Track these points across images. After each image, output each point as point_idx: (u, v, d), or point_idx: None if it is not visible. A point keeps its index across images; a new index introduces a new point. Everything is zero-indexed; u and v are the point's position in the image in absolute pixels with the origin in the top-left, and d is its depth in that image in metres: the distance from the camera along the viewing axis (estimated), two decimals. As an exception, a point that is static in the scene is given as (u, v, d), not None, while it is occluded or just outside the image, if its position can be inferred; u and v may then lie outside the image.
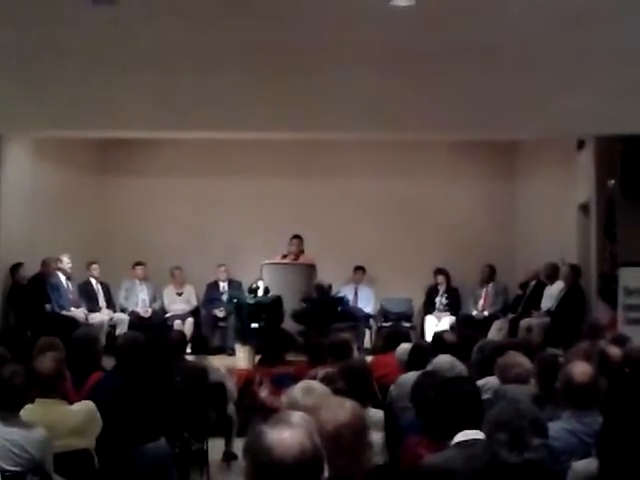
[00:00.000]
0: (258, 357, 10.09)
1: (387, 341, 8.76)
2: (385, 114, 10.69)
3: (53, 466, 4.90)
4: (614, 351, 6.15)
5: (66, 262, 12.44)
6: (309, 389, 4.22)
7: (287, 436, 2.61)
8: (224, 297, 13.17)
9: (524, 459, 2.74)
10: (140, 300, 13.46)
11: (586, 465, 3.93)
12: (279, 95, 10.71)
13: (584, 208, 12.15)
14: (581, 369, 4.83)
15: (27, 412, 5.18)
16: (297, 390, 4.21)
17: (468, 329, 11.59)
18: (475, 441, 4.04)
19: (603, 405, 4.75)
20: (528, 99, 10.59)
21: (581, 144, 12.19)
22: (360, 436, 3.53)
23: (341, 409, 3.57)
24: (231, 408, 8.45)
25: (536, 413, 3.97)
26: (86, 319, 12.19)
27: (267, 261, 12.02)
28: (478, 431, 4.06)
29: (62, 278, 12.40)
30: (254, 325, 10.86)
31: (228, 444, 8.40)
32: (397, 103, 10.66)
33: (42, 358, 5.49)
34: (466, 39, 10.20)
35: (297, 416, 3.35)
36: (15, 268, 11.64)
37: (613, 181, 11.27)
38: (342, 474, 3.37)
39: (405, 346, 7.73)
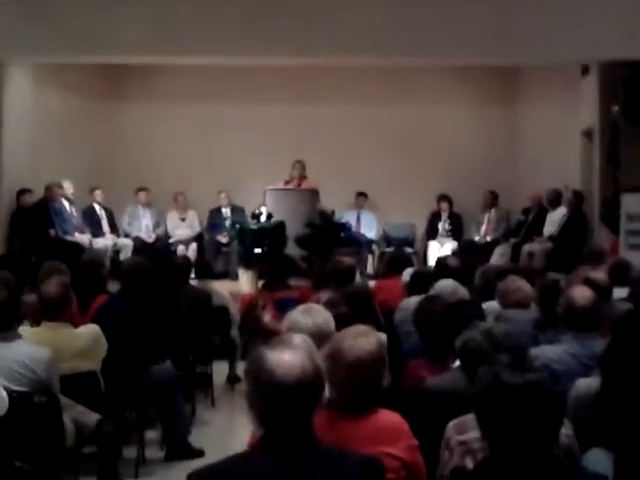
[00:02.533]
0: (261, 282, 10.15)
1: (390, 266, 8.79)
2: (386, 39, 10.54)
3: (59, 388, 4.96)
4: (599, 276, 6.14)
5: (67, 188, 12.36)
6: (309, 311, 4.24)
7: (288, 357, 2.64)
8: (227, 223, 13.20)
9: (525, 380, 2.76)
10: (144, 225, 13.46)
11: (589, 383, 3.99)
12: (278, 21, 10.56)
13: (588, 134, 12.11)
14: (582, 293, 4.85)
15: (33, 335, 5.24)
16: (297, 312, 4.23)
17: (470, 254, 11.61)
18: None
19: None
20: (532, 25, 10.46)
21: (585, 70, 12.10)
22: (379, 367, 3.54)
23: (365, 339, 3.52)
24: (235, 332, 8.54)
25: (512, 342, 3.98)
26: (90, 244, 12.22)
27: (270, 187, 12.02)
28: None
29: (65, 204, 12.36)
30: (257, 250, 10.90)
31: (232, 367, 8.50)
32: (398, 28, 10.51)
33: (48, 282, 5.52)
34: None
35: (298, 338, 3.39)
36: (21, 193, 11.63)
37: (617, 107, 11.21)
38: (356, 400, 3.43)
39: (412, 270, 7.76)
